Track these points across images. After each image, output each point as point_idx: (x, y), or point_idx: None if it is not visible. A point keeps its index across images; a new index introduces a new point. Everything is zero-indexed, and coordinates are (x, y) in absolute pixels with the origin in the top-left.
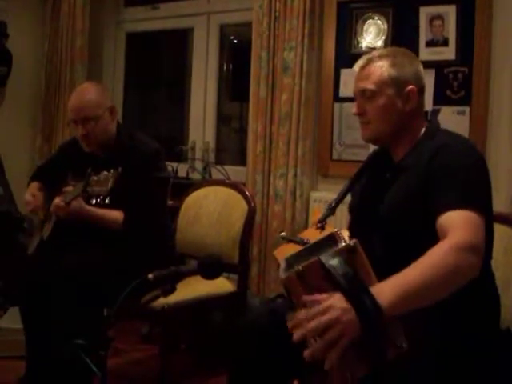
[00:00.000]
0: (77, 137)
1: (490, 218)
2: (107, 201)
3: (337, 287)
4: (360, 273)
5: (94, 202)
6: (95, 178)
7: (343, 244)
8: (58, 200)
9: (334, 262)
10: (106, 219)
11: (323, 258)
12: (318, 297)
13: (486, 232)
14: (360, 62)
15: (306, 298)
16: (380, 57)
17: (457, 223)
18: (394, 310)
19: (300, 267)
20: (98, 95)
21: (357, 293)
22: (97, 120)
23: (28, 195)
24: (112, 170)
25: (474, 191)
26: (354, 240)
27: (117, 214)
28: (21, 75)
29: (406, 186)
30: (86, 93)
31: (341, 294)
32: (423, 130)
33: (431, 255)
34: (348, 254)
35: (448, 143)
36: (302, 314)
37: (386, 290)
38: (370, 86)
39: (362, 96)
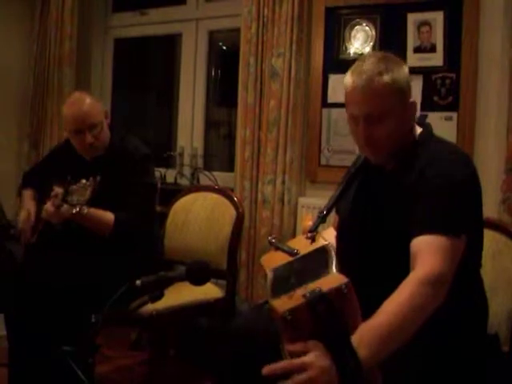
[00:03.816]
0: (76, 145)
1: (479, 228)
2: (86, 210)
3: (321, 336)
4: (347, 315)
5: (73, 211)
6: (74, 186)
7: (335, 272)
8: (48, 205)
9: (322, 307)
10: (98, 219)
11: (311, 300)
12: (299, 347)
13: (475, 242)
14: (358, 82)
15: (289, 347)
16: (380, 73)
17: (426, 250)
18: (372, 362)
19: (288, 315)
20: (95, 102)
21: (341, 351)
22: (101, 126)
23: (23, 219)
24: (91, 179)
25: (455, 212)
26: (346, 281)
27: (108, 216)
28: (8, 79)
29: (397, 198)
30: (85, 101)
31: (323, 346)
32: (416, 135)
33: (401, 295)
34: (339, 297)
35: (440, 156)
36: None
37: (366, 342)
38: (376, 109)
39: (367, 120)
